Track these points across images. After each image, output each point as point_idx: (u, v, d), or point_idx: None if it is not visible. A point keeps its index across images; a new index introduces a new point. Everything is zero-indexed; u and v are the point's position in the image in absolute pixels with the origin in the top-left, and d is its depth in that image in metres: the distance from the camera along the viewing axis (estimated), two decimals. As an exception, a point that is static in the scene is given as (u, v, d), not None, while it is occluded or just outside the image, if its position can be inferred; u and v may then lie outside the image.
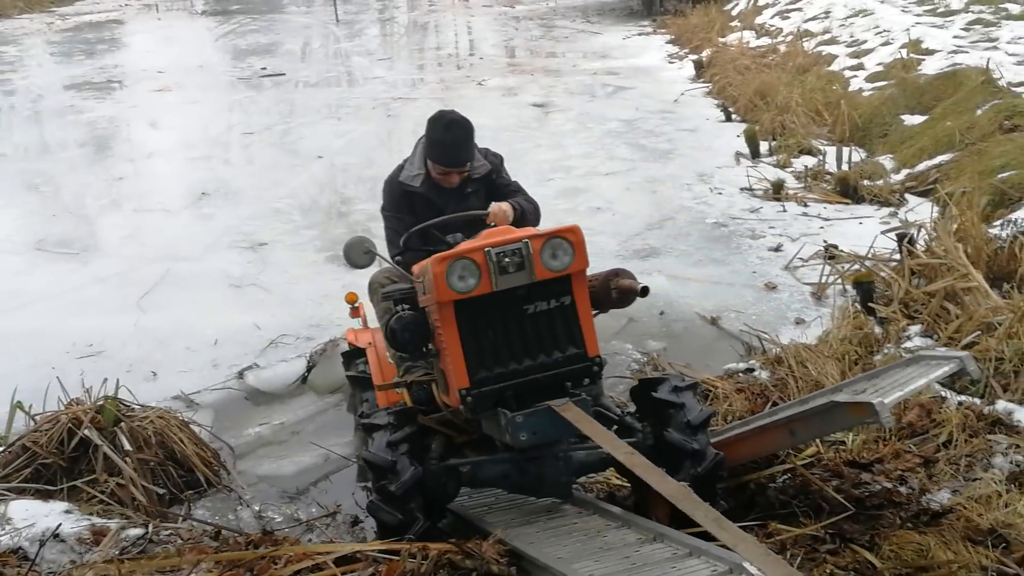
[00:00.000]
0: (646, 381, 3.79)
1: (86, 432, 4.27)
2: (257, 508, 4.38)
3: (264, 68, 15.90)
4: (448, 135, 4.09)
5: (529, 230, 3.42)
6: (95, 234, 8.36)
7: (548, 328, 3.34)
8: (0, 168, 10.58)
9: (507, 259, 3.23)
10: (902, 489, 3.73)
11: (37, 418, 4.53)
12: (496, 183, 4.32)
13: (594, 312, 3.51)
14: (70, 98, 14.13)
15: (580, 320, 3.36)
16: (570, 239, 3.29)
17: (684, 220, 8.07)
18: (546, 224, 3.87)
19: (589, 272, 3.49)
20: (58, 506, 3.81)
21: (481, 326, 3.30)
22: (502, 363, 3.31)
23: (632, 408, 3.85)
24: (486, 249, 3.22)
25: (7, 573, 2.93)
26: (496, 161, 4.37)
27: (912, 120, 9.33)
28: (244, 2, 25.22)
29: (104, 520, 3.76)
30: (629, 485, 3.93)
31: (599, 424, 3.16)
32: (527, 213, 4.14)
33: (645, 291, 3.47)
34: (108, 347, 5.99)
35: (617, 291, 3.49)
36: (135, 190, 9.59)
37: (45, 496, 4.02)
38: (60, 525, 3.46)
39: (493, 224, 3.93)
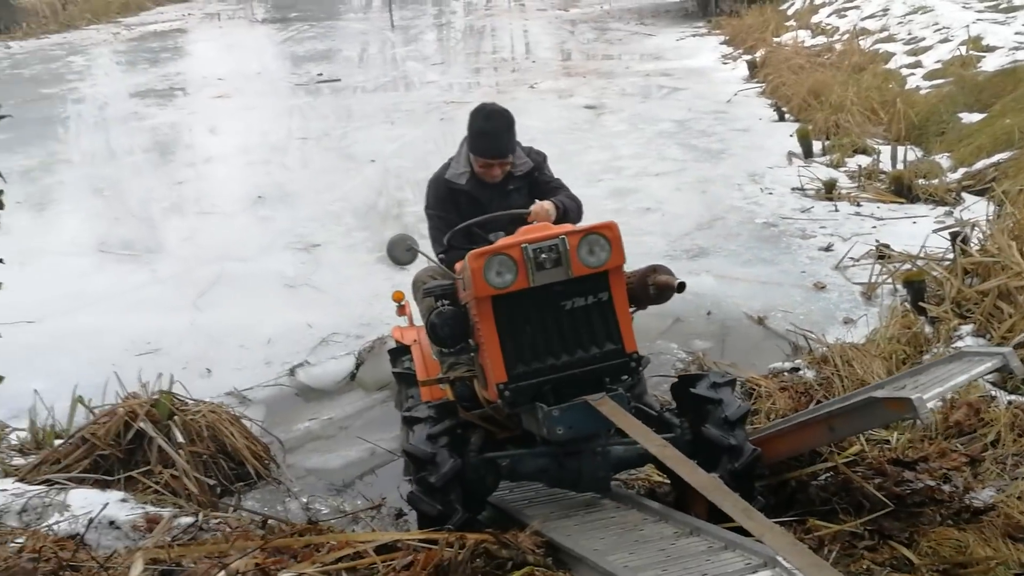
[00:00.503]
0: (685, 378, 3.81)
1: (141, 425, 4.42)
2: (305, 500, 4.49)
3: (320, 74, 16.15)
4: (488, 125, 4.15)
5: (566, 226, 3.46)
6: (155, 236, 8.62)
7: (585, 324, 3.37)
8: (67, 173, 10.94)
9: (544, 255, 3.27)
10: (945, 487, 3.70)
11: (96, 411, 4.70)
12: (539, 180, 4.37)
13: (632, 309, 3.54)
14: (134, 105, 14.54)
15: (618, 316, 3.39)
16: (607, 235, 3.32)
17: (734, 220, 8.04)
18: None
19: (628, 269, 3.52)
20: (114, 495, 3.96)
21: (519, 321, 3.34)
22: (540, 358, 3.36)
23: (675, 406, 3.88)
24: (523, 245, 3.27)
25: (63, 556, 3.06)
26: (539, 159, 4.41)
27: (970, 118, 9.17)
28: (302, 10, 25.64)
29: (157, 509, 3.90)
30: (669, 482, 3.96)
31: (633, 418, 3.19)
32: (569, 211, 4.18)
33: (682, 287, 3.48)
34: (165, 345, 6.18)
35: (655, 287, 3.50)
36: (194, 194, 9.87)
37: (102, 486, 4.18)
38: (107, 505, 3.59)
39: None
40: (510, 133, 4.20)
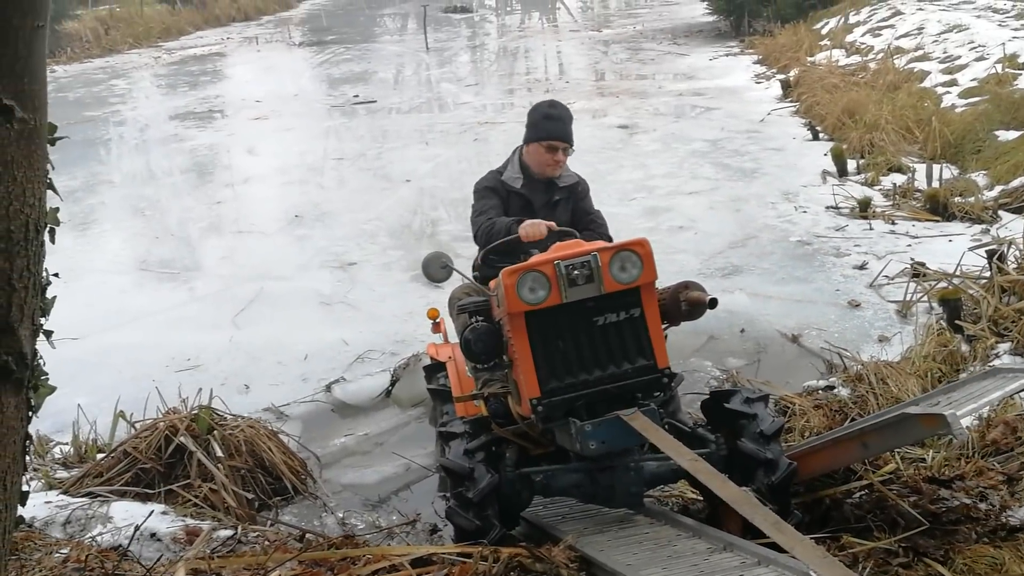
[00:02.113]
0: (717, 393, 3.84)
1: (182, 439, 4.50)
2: (341, 515, 4.54)
3: (356, 95, 16.35)
4: (554, 111, 4.35)
5: (598, 243, 3.51)
6: (195, 255, 8.78)
7: (618, 340, 3.41)
8: (109, 194, 11.16)
9: (576, 272, 3.33)
10: (981, 505, 3.67)
11: (137, 426, 4.80)
12: (580, 207, 4.46)
13: (665, 325, 3.58)
14: (174, 127, 14.80)
15: (649, 332, 3.42)
16: (638, 252, 3.36)
17: (767, 238, 8.03)
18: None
19: (661, 286, 3.56)
20: (155, 508, 4.04)
21: (551, 337, 3.39)
22: (572, 374, 3.40)
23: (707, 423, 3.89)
24: (556, 262, 3.32)
25: (106, 567, 3.13)
26: (585, 185, 4.55)
27: (1007, 136, 9.11)
28: (339, 33, 25.98)
29: (197, 521, 3.98)
30: (702, 498, 3.97)
31: (665, 433, 3.22)
32: None
33: (714, 303, 3.51)
34: (204, 361, 6.29)
35: (687, 303, 3.54)
36: (233, 213, 10.01)
37: (144, 499, 4.26)
38: (152, 513, 3.67)
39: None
40: (571, 123, 4.39)
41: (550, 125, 4.34)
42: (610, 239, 4.36)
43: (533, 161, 4.38)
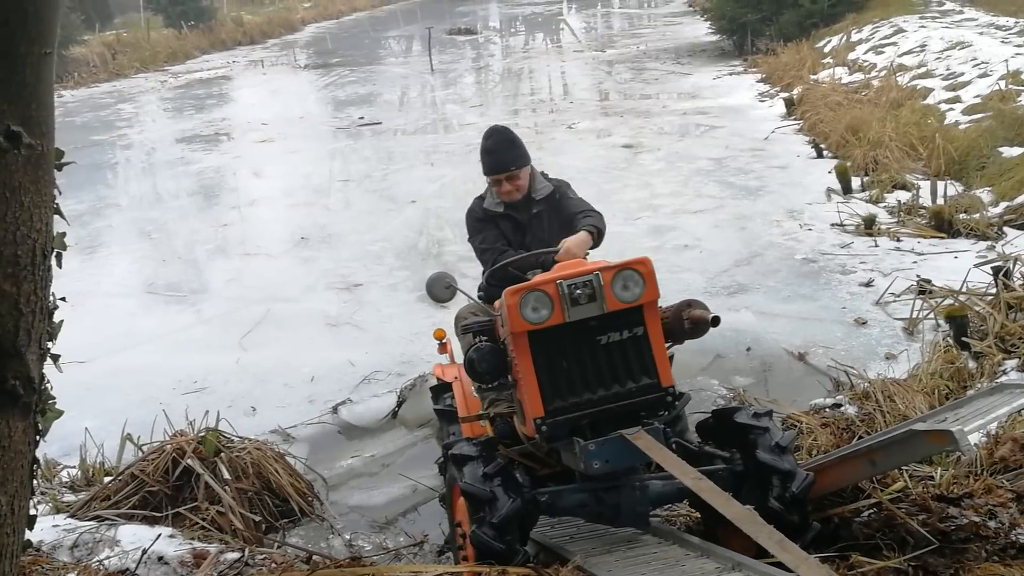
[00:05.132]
0: (720, 412, 3.81)
1: (189, 462, 4.51)
2: (348, 537, 4.54)
3: (362, 117, 16.43)
4: (489, 143, 4.37)
5: (600, 262, 3.51)
6: (201, 277, 8.82)
7: (621, 358, 3.40)
8: (116, 217, 11.24)
9: (579, 291, 3.33)
10: (991, 523, 3.64)
11: (144, 449, 4.81)
12: (563, 205, 4.44)
13: (668, 344, 3.57)
14: (180, 150, 14.90)
15: (653, 350, 3.42)
16: (640, 271, 3.37)
17: (773, 256, 8.03)
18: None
19: (663, 304, 3.56)
20: (163, 531, 4.04)
21: (555, 356, 3.38)
22: (576, 393, 3.39)
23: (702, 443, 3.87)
24: (558, 281, 3.33)
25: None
26: (562, 188, 4.53)
27: (1011, 152, 9.11)
28: (344, 55, 26.16)
29: (204, 544, 3.97)
30: (701, 517, 3.94)
31: (669, 451, 3.21)
32: (601, 232, 4.29)
33: (716, 321, 3.51)
34: (211, 383, 6.31)
35: (689, 321, 3.54)
36: (239, 236, 10.06)
37: (151, 522, 4.26)
38: (159, 536, 3.68)
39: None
40: (511, 148, 4.37)
41: (487, 160, 4.38)
42: (600, 216, 4.37)
43: (495, 191, 4.43)
